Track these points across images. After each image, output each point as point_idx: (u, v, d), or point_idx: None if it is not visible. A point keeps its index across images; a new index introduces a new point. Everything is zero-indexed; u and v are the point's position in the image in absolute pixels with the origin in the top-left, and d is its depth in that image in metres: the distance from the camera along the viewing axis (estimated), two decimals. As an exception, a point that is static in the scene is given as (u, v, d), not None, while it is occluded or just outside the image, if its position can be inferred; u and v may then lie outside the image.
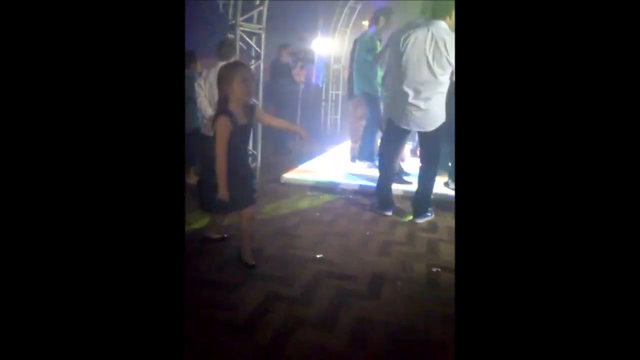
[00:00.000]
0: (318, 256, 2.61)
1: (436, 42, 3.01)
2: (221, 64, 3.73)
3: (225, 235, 2.80)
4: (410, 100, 3.14)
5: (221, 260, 2.49)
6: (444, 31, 3.03)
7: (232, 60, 3.82)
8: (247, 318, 1.90)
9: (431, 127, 3.19)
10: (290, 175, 4.51)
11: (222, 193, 2.22)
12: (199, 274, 2.31)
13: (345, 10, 7.44)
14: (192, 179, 4.41)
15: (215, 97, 3.63)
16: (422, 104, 3.12)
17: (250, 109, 2.36)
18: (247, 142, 2.45)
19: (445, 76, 3.06)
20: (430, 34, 3.03)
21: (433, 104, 3.12)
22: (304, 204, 3.77)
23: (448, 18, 3.10)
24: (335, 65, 7.98)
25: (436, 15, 3.11)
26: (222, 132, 2.20)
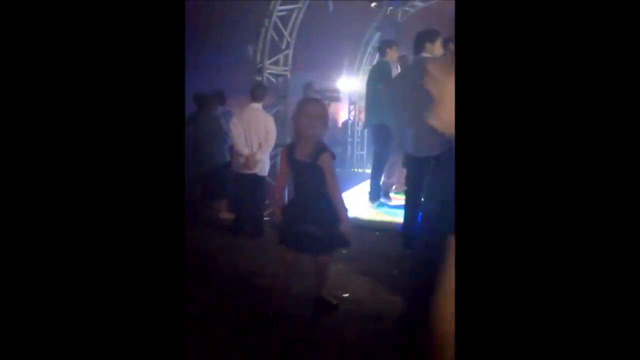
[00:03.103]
0: (344, 295, 2.58)
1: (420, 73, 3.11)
2: (253, 104, 3.87)
3: (335, 303, 2.49)
4: (412, 130, 3.20)
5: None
6: (427, 60, 3.15)
7: (264, 100, 3.95)
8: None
9: (440, 150, 3.21)
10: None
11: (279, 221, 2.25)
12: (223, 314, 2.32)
13: (369, 49, 7.63)
14: (224, 214, 4.49)
15: (247, 136, 3.79)
16: (423, 132, 3.17)
17: (318, 148, 2.15)
18: (315, 181, 2.17)
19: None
20: (414, 65, 3.26)
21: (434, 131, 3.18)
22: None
23: (429, 45, 3.26)
24: (360, 102, 8.11)
25: (417, 51, 3.33)
26: (279, 164, 2.25)
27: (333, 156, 2.17)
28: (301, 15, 4.72)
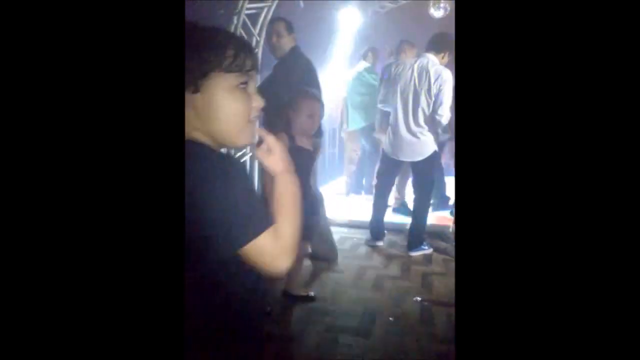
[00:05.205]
0: (311, 294, 2.61)
1: (420, 74, 3.12)
2: None
3: (311, 294, 2.58)
4: (398, 131, 3.24)
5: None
6: (430, 63, 3.11)
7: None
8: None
9: (420, 157, 3.24)
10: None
11: None
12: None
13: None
14: None
15: None
16: (409, 135, 3.21)
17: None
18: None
19: (431, 106, 3.11)
20: (416, 65, 3.15)
21: (421, 134, 3.19)
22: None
23: (440, 57, 3.17)
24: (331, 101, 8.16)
25: (428, 50, 3.21)
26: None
27: None
28: (270, 13, 4.71)
